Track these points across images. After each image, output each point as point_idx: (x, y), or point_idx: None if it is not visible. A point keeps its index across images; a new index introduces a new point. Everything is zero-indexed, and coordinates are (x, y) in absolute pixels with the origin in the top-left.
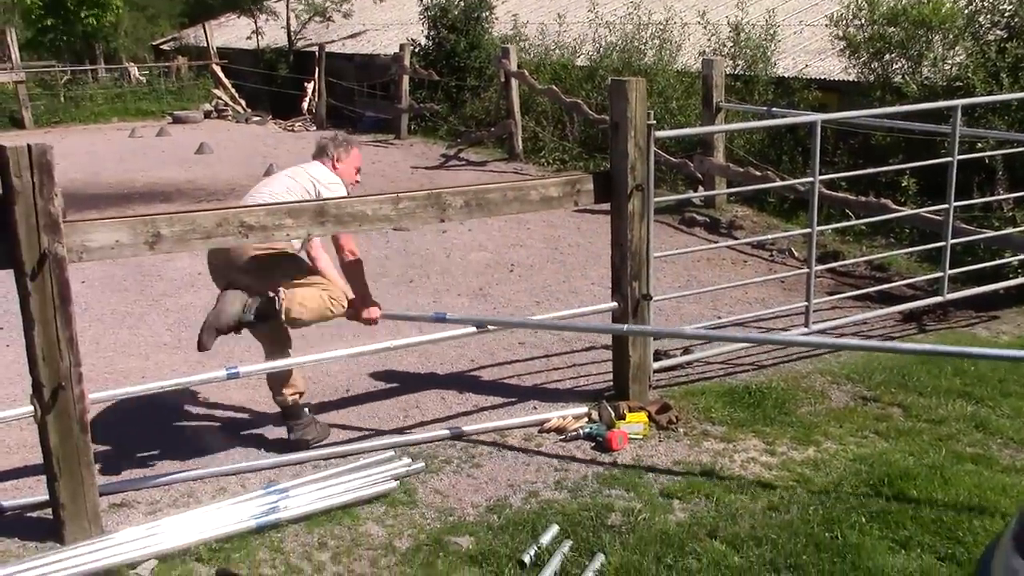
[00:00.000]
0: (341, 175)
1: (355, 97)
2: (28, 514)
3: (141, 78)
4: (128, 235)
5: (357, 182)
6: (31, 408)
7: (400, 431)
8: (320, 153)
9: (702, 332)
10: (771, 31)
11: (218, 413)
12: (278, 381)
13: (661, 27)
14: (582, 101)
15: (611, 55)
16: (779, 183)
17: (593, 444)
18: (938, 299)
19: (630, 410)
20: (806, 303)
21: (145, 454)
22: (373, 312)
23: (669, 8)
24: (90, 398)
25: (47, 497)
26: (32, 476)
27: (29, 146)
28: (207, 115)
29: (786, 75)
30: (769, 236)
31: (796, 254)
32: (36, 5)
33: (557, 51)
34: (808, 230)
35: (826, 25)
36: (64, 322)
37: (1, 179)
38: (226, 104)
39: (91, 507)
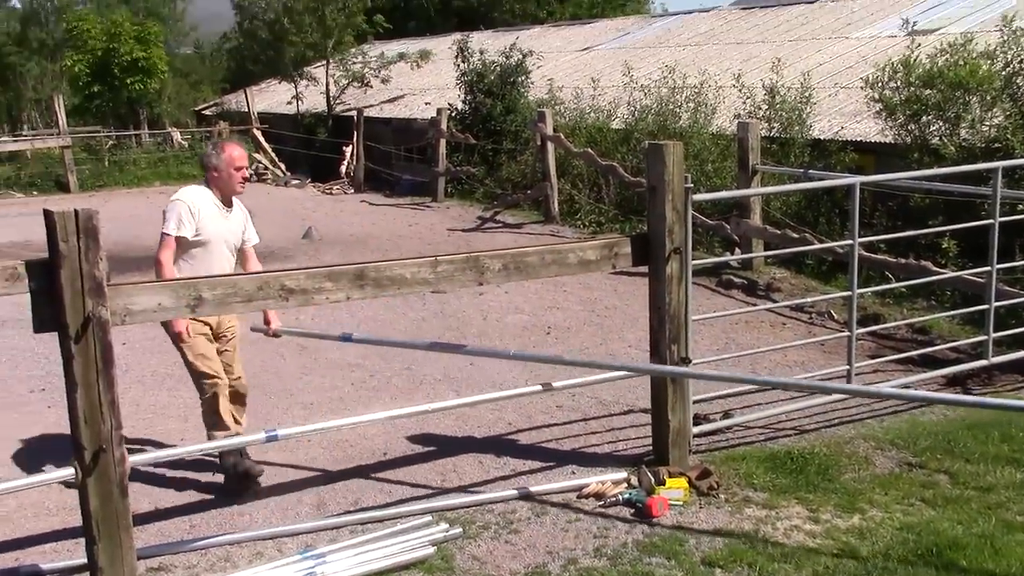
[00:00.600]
0: (220, 183)
1: (392, 160)
2: None
3: (183, 142)
4: (170, 298)
5: (244, 179)
6: (71, 470)
7: (437, 495)
8: (204, 171)
9: (744, 377)
10: (806, 93)
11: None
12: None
13: (696, 90)
14: (618, 164)
15: (646, 118)
16: (817, 245)
17: (633, 510)
18: (983, 363)
19: (670, 475)
20: (847, 366)
21: (182, 517)
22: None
23: (703, 72)
24: (129, 461)
25: (86, 560)
26: (71, 539)
27: (76, 211)
28: (247, 179)
29: (822, 137)
30: (808, 299)
31: (836, 317)
32: (84, 72)
33: (592, 114)
34: (848, 292)
35: (861, 87)
36: (106, 385)
37: (48, 243)
38: (266, 168)
39: (129, 571)
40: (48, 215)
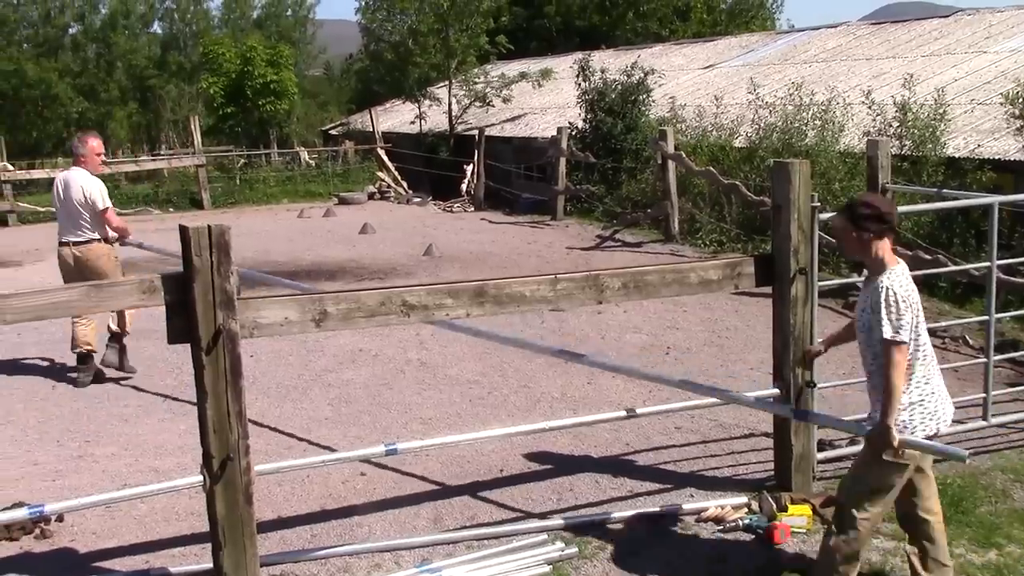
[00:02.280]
0: (89, 165)
1: (512, 179)
2: None
3: (311, 161)
4: (297, 312)
5: (104, 161)
6: (200, 478)
7: (553, 513)
8: (77, 159)
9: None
10: (940, 110)
11: (375, 487)
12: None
13: (823, 107)
14: (740, 182)
15: (771, 136)
16: (951, 268)
17: (753, 536)
18: None
19: (792, 502)
20: (984, 395)
21: (304, 526)
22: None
23: (831, 88)
24: (255, 470)
25: (212, 565)
26: (198, 544)
27: (209, 226)
28: (371, 196)
29: (956, 155)
30: (941, 323)
31: (971, 342)
32: (219, 94)
33: (715, 132)
34: (985, 317)
35: (1001, 103)
36: (235, 396)
37: (182, 257)
38: (389, 186)
39: None
40: (183, 230)
